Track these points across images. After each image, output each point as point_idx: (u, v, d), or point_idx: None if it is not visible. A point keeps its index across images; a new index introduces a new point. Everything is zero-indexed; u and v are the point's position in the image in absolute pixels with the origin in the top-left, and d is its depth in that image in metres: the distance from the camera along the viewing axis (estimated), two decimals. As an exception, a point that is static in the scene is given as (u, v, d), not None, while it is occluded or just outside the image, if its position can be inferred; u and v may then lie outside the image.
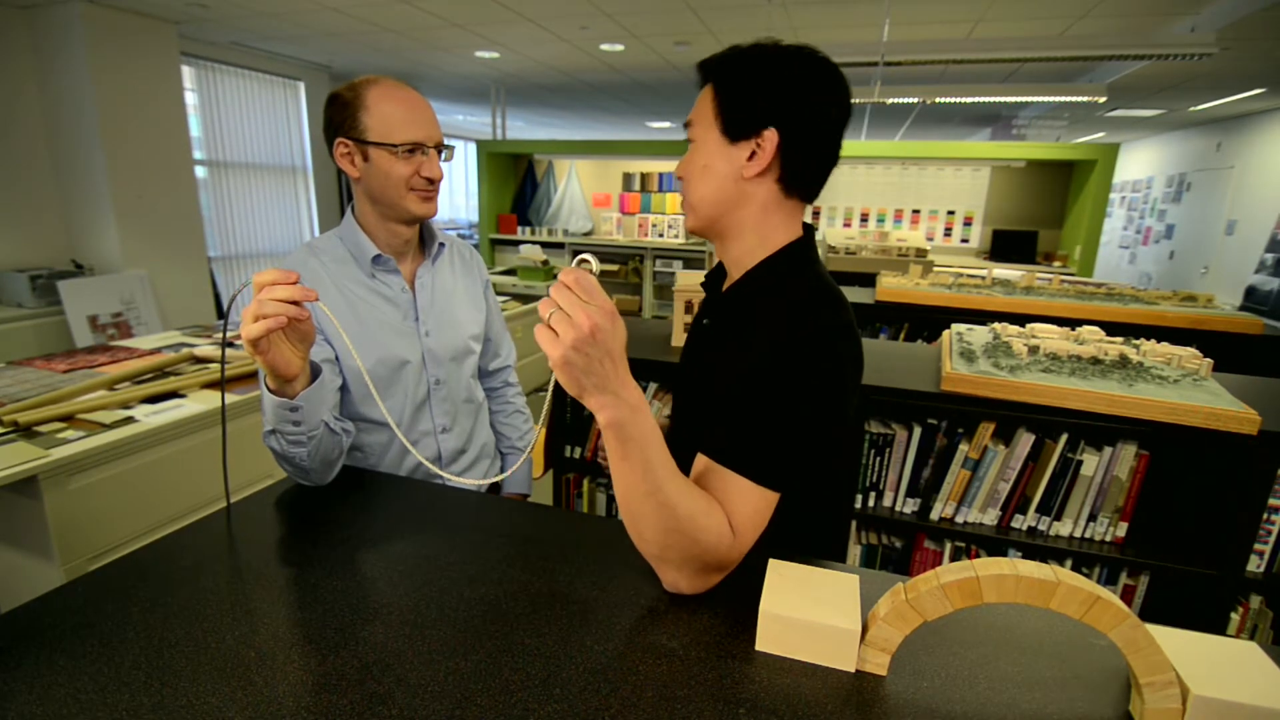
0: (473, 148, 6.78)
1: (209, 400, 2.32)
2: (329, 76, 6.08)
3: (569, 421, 2.10)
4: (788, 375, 0.80)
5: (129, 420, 1.93)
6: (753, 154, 0.84)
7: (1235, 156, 6.64)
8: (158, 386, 2.17)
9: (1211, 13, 3.52)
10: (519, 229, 6.65)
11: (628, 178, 6.67)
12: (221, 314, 5.29)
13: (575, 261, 0.70)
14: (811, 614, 0.71)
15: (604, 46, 4.87)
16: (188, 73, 4.97)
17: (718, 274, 1.03)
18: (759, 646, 0.73)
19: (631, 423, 0.69)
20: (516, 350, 1.55)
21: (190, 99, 5.03)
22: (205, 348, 2.82)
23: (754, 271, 0.90)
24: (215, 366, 2.61)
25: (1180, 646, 0.68)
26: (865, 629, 0.70)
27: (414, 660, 0.69)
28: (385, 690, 0.65)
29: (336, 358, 1.13)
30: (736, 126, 0.84)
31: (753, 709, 0.65)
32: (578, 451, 2.12)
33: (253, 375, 2.61)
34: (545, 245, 6.21)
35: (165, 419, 1.98)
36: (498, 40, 4.78)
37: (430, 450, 1.28)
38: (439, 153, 1.12)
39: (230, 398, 2.39)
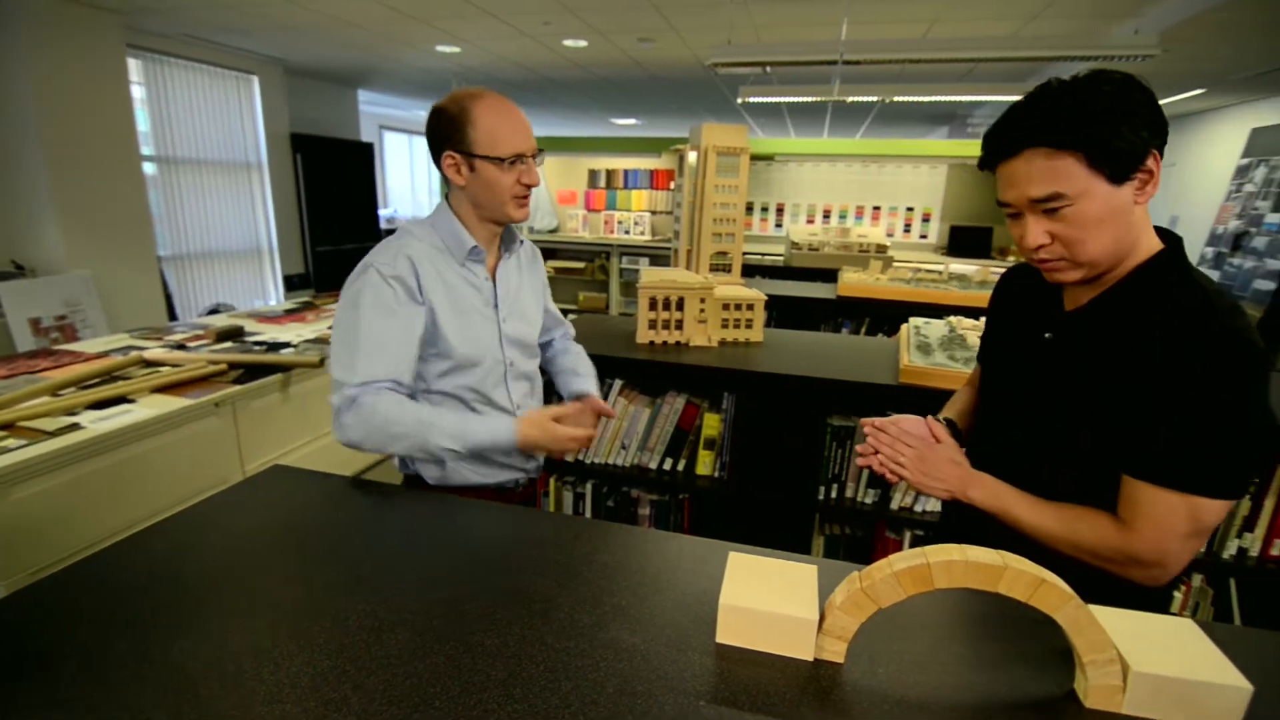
0: (435, 144, 6.69)
1: (160, 405, 2.24)
2: (284, 70, 5.92)
3: (534, 420, 2.08)
4: (1219, 384, 0.78)
5: (74, 427, 1.85)
6: (1144, 183, 0.82)
7: (1177, 154, 6.92)
8: (105, 391, 2.09)
9: (1154, 16, 3.66)
10: (483, 226, 6.59)
11: (593, 174, 6.65)
12: (174, 316, 5.12)
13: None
14: (770, 605, 0.72)
15: (567, 42, 4.83)
16: (134, 65, 4.78)
17: (1039, 284, 0.98)
18: (719, 639, 0.74)
19: (983, 502, 0.95)
20: None
21: (138, 93, 4.84)
22: (156, 350, 2.73)
23: (1126, 283, 0.88)
24: (167, 370, 2.52)
25: (1121, 625, 0.71)
26: (823, 618, 0.71)
27: (371, 665, 0.68)
28: (341, 696, 0.64)
29: (430, 338, 1.21)
30: (1124, 167, 0.80)
31: (712, 700, 0.66)
32: (543, 450, 2.11)
33: (204, 379, 2.54)
34: (510, 243, 6.16)
35: (113, 425, 1.90)
36: (459, 35, 4.71)
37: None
38: (535, 159, 1.23)
39: (182, 401, 2.32)
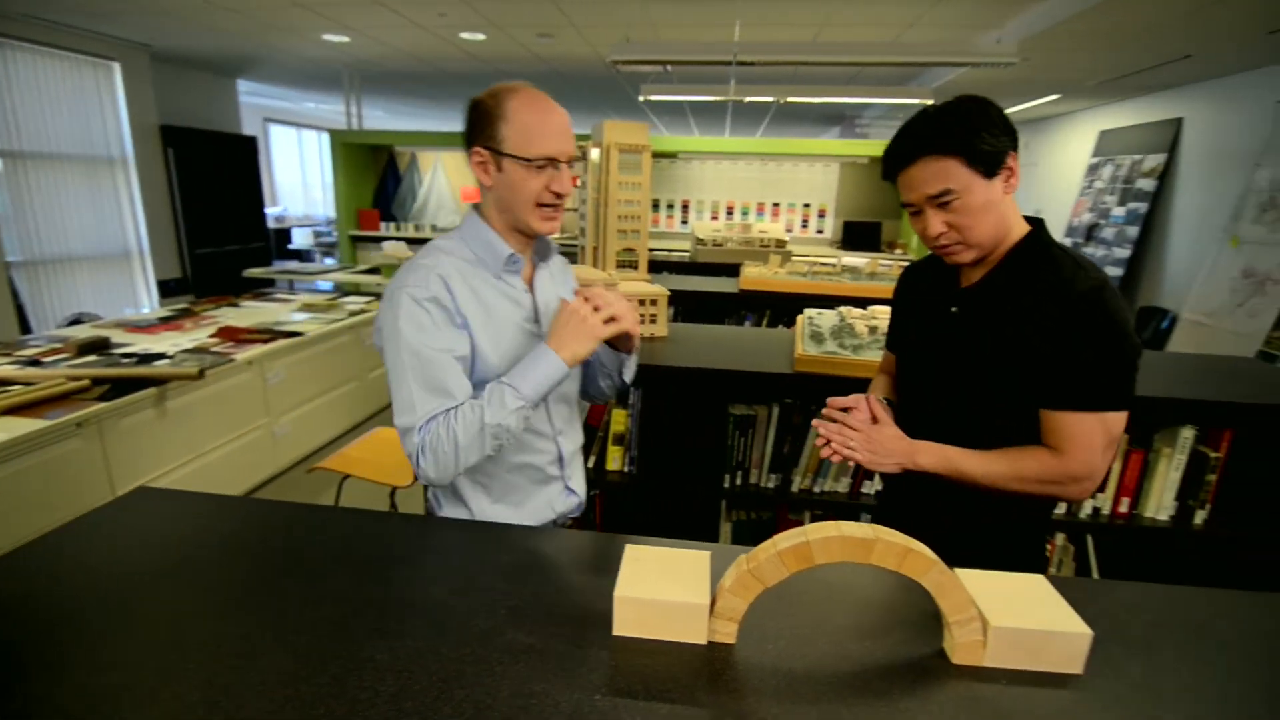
0: (325, 138, 6.32)
1: (10, 428, 2.02)
2: (149, 57, 5.43)
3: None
4: (1097, 324, 0.97)
5: (-104, 457, 1.63)
6: (1007, 177, 1.03)
7: (1038, 155, 7.60)
8: (-65, 415, 1.85)
9: (1013, 27, 3.99)
10: (382, 225, 6.30)
11: (497, 171, 6.51)
12: (26, 328, 4.59)
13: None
14: (663, 593, 0.73)
15: (464, 35, 4.70)
16: (-36, 48, 4.24)
17: (936, 272, 1.18)
18: (616, 631, 0.75)
19: (933, 465, 1.07)
20: None
21: (-30, 79, 4.30)
22: (4, 368, 2.45)
23: (1008, 259, 1.07)
24: (18, 389, 2.26)
25: (981, 585, 0.77)
26: (714, 602, 0.74)
27: (246, 694, 0.64)
28: (211, 729, 0.60)
29: (471, 356, 1.11)
30: (992, 165, 1.01)
31: (609, 693, 0.66)
32: (449, 454, 2.05)
33: (63, 397, 2.30)
34: (412, 242, 5.91)
35: (-53, 453, 1.70)
36: (347, 23, 4.48)
37: (550, 453, 1.23)
38: (570, 166, 1.11)
39: (36, 423, 2.09)
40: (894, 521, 0.85)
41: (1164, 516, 1.79)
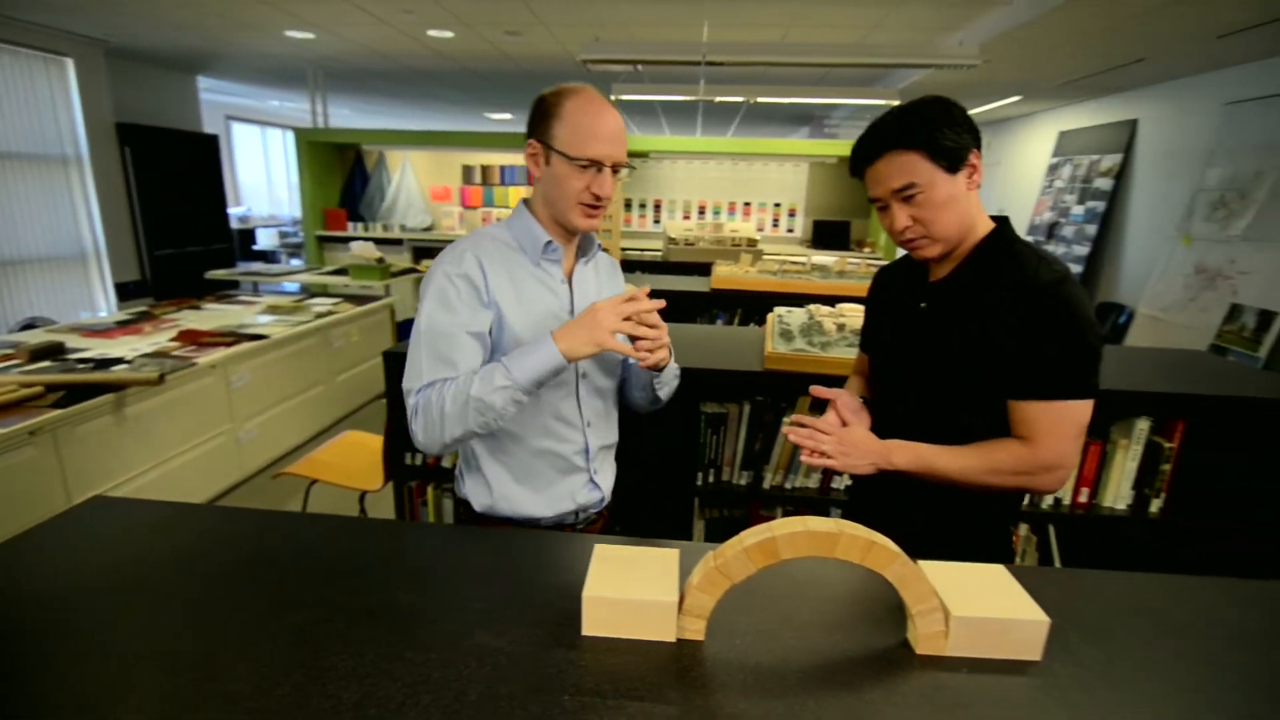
0: (290, 136, 6.19)
1: (-46, 437, 1.94)
2: (105, 52, 5.26)
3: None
4: (1060, 315, 1.00)
5: None
6: (970, 174, 1.06)
7: (1000, 154, 7.78)
8: (-125, 426, 1.77)
9: (974, 29, 4.08)
10: (349, 225, 6.20)
11: (467, 170, 6.44)
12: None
13: None
14: (632, 592, 0.73)
15: (432, 33, 4.65)
16: (-97, 41, 4.07)
17: (907, 272, 1.21)
18: (585, 631, 0.75)
19: (907, 464, 1.07)
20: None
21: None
22: (-54, 375, 2.36)
23: (973, 256, 1.10)
24: (-38, 396, 2.17)
25: (943, 576, 0.79)
26: (683, 599, 0.74)
27: (204, 708, 0.63)
28: (168, 743, 0.59)
29: (499, 335, 1.14)
30: (955, 160, 1.03)
31: (577, 693, 0.66)
32: (419, 458, 2.03)
33: (15, 405, 2.22)
34: (380, 242, 5.83)
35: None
36: (311, 19, 4.40)
37: (577, 443, 1.24)
38: (615, 171, 1.14)
39: (-16, 432, 2.02)
40: (864, 517, 0.87)
41: (1122, 506, 1.84)
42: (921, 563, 0.79)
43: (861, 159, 1.09)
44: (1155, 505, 1.83)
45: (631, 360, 1.33)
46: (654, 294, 1.10)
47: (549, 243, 1.17)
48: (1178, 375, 1.88)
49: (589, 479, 1.26)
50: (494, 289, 1.12)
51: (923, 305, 1.15)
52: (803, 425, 1.12)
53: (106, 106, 5.32)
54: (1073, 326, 1.00)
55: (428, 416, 1.04)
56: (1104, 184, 5.57)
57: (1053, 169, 6.45)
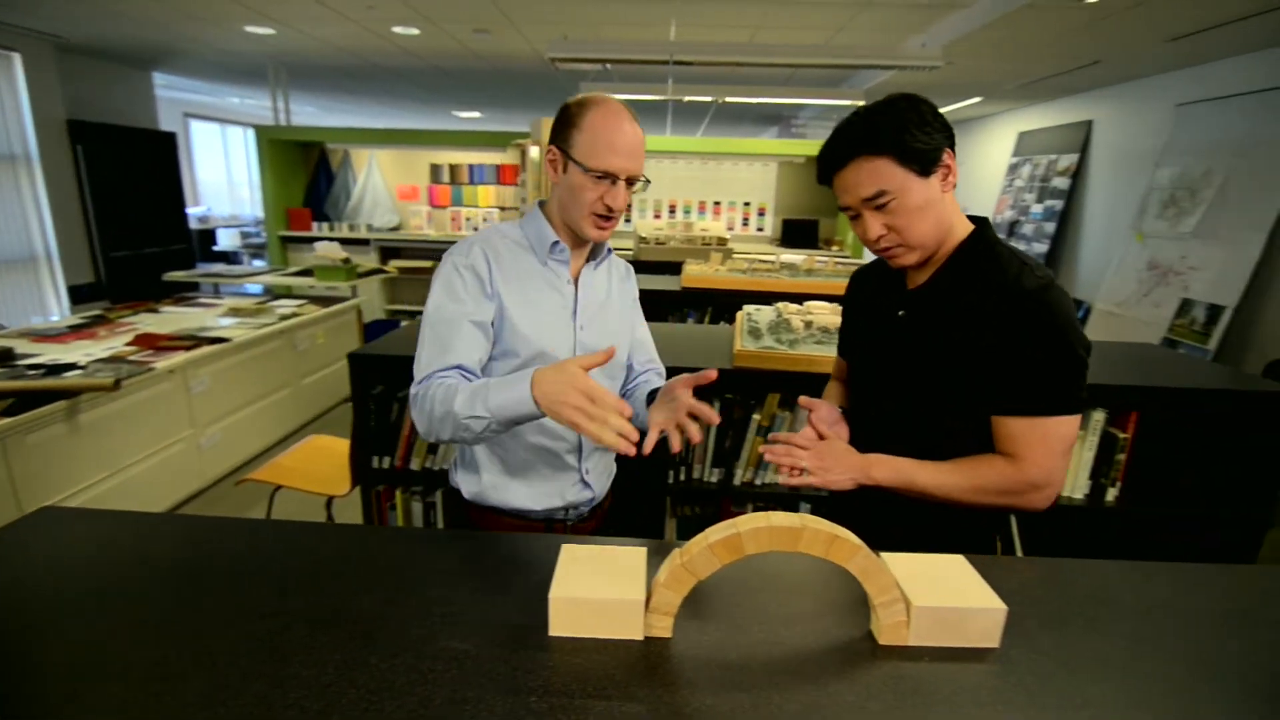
0: (251, 134, 6.04)
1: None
2: (55, 47, 5.07)
3: (373, 427, 1.97)
4: (1044, 325, 0.96)
5: None
6: (945, 175, 1.01)
7: (963, 154, 7.87)
8: None
9: (936, 31, 4.16)
10: (314, 225, 6.07)
11: (435, 169, 6.35)
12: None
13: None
14: (598, 591, 0.73)
15: (397, 29, 4.58)
16: None
17: (882, 275, 1.15)
18: (552, 632, 0.74)
19: (888, 479, 1.03)
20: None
21: None
22: (-116, 383, 2.26)
23: (951, 260, 1.05)
24: (-98, 405, 2.08)
25: (904, 568, 0.81)
26: (650, 597, 0.74)
27: None
28: (120, 759, 0.57)
29: (497, 334, 1.16)
30: (927, 163, 0.98)
31: (544, 694, 0.66)
32: (386, 461, 2.00)
33: (-40, 412, 2.13)
34: (346, 242, 5.72)
35: None
36: (271, 15, 4.30)
37: (569, 441, 1.24)
38: (629, 184, 1.14)
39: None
40: (841, 519, 0.86)
41: (1079, 495, 1.90)
42: (884, 555, 0.80)
43: (828, 166, 1.03)
44: (1111, 494, 1.89)
45: (635, 379, 1.38)
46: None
47: (556, 243, 1.19)
48: (1131, 368, 1.94)
49: (580, 478, 1.26)
50: (498, 282, 1.15)
51: (900, 313, 1.10)
52: (779, 442, 1.08)
53: (57, 103, 5.13)
54: (1058, 338, 0.96)
55: (422, 410, 1.06)
56: (1061, 183, 5.73)
57: (1013, 168, 6.61)
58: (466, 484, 1.25)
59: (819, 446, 1.07)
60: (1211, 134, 4.21)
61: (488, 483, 1.23)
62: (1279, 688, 0.71)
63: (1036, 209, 6.03)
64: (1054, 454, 0.99)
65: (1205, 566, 0.96)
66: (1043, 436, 0.98)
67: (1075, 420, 1.00)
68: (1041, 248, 5.81)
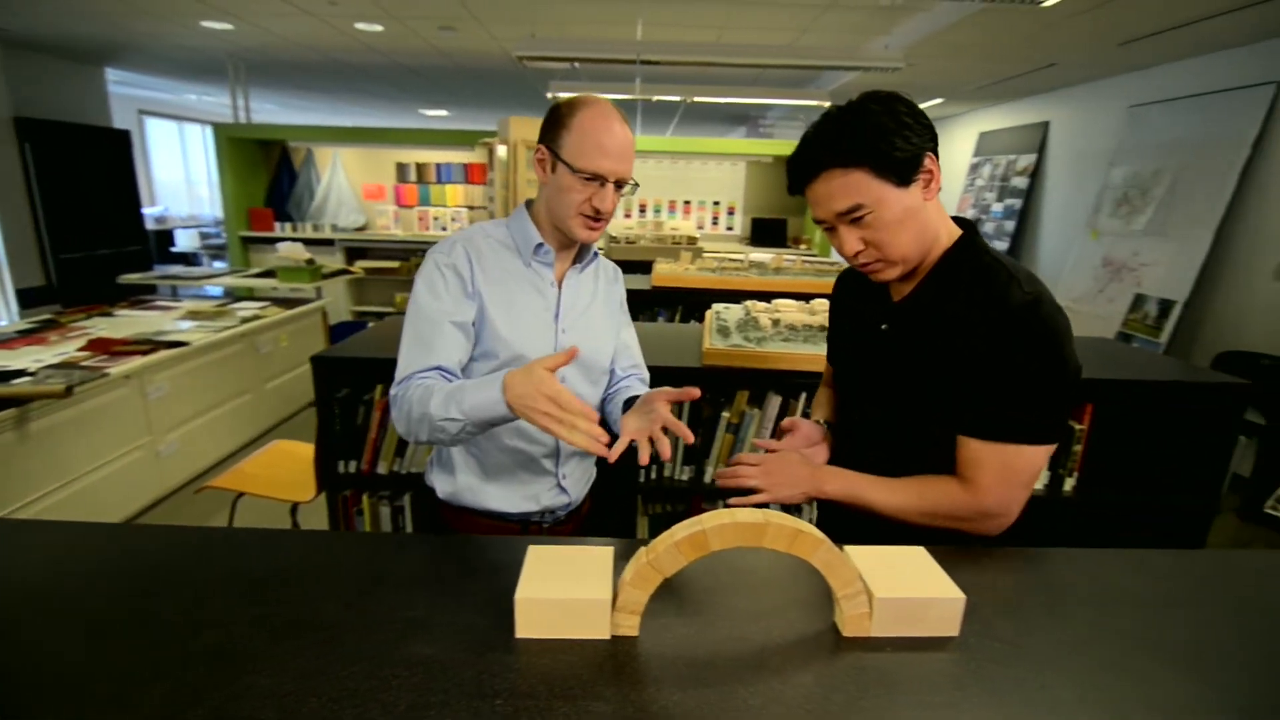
0: (210, 132, 5.89)
1: None
2: (2, 43, 4.88)
3: (339, 431, 1.93)
4: (1029, 344, 0.90)
5: None
6: (927, 182, 0.94)
7: (929, 153, 8.15)
8: None
9: (898, 33, 4.24)
10: (276, 225, 5.93)
11: (402, 168, 6.27)
12: None
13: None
14: (565, 592, 0.73)
15: (360, 26, 4.50)
16: None
17: (867, 281, 1.05)
18: (519, 634, 0.74)
19: (838, 493, 1.01)
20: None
21: None
22: None
23: (936, 270, 0.99)
24: None
25: (867, 560, 0.82)
26: (616, 596, 0.74)
27: (110, 734, 0.59)
28: (68, 778, 0.55)
29: (480, 324, 1.14)
30: (906, 171, 0.91)
31: (510, 697, 0.65)
32: (353, 465, 1.96)
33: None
34: (310, 243, 5.61)
35: None
36: (228, 9, 4.19)
37: (546, 445, 1.22)
38: (618, 187, 1.13)
39: None
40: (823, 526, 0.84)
41: (1039, 485, 1.95)
42: (847, 548, 0.82)
43: (798, 177, 0.96)
44: (1069, 484, 1.94)
45: (617, 384, 1.36)
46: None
47: (540, 245, 1.18)
48: (1086, 361, 1.96)
49: (556, 483, 1.25)
50: (480, 282, 1.14)
51: (884, 327, 1.05)
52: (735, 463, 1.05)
53: (2, 100, 4.94)
54: (1043, 358, 0.89)
55: (401, 412, 1.06)
56: (1020, 182, 5.88)
57: (974, 168, 6.76)
58: (441, 484, 1.24)
59: (767, 462, 1.04)
60: (1162, 135, 4.36)
61: (463, 484, 1.22)
62: (1225, 665, 0.74)
63: (997, 208, 6.18)
64: (1014, 485, 0.94)
65: (1157, 552, 1.00)
66: (1005, 465, 0.92)
67: (1045, 451, 0.93)
68: (1002, 245, 5.95)
